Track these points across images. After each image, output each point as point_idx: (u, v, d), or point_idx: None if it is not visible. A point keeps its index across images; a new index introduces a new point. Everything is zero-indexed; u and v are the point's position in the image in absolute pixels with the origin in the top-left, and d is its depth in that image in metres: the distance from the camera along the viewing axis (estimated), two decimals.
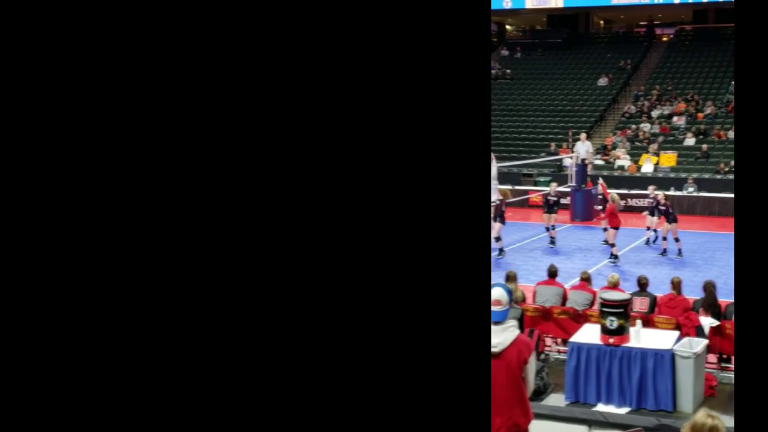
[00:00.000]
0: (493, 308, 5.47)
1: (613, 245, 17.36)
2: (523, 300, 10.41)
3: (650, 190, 19.92)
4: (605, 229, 18.72)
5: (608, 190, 19.51)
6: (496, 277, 12.11)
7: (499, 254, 17.81)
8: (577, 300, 10.41)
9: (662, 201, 18.05)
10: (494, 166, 23.09)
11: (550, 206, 19.55)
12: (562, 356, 9.71)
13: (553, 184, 20.61)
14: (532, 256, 18.36)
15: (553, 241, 19.48)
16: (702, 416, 3.90)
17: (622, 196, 22.97)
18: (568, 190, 24.03)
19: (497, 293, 5.54)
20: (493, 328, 5.43)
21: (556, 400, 8.47)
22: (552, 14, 41.56)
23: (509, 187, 23.72)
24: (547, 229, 19.63)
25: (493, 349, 5.36)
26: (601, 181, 20.92)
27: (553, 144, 30.49)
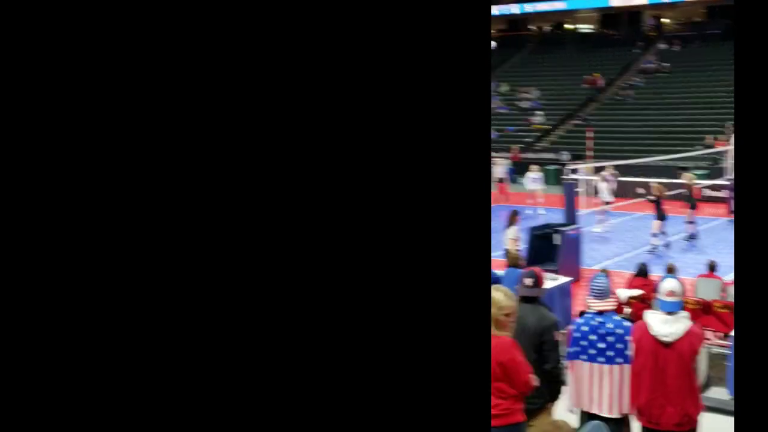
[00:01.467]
0: (667, 299, 5.57)
1: None
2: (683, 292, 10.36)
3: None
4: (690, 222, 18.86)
5: None
6: (656, 269, 12.13)
7: (654, 250, 17.63)
8: None
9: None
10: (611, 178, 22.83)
11: (689, 199, 19.18)
12: (723, 350, 9.63)
13: (686, 176, 20.18)
14: (687, 249, 18.13)
15: (691, 236, 18.99)
16: None
17: None
18: (727, 183, 23.48)
19: (672, 284, 5.63)
20: (665, 317, 5.53)
21: (719, 393, 8.43)
22: (711, 5, 40.55)
23: (663, 181, 23.31)
24: (689, 222, 19.22)
25: (664, 339, 5.46)
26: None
27: (709, 136, 29.80)
